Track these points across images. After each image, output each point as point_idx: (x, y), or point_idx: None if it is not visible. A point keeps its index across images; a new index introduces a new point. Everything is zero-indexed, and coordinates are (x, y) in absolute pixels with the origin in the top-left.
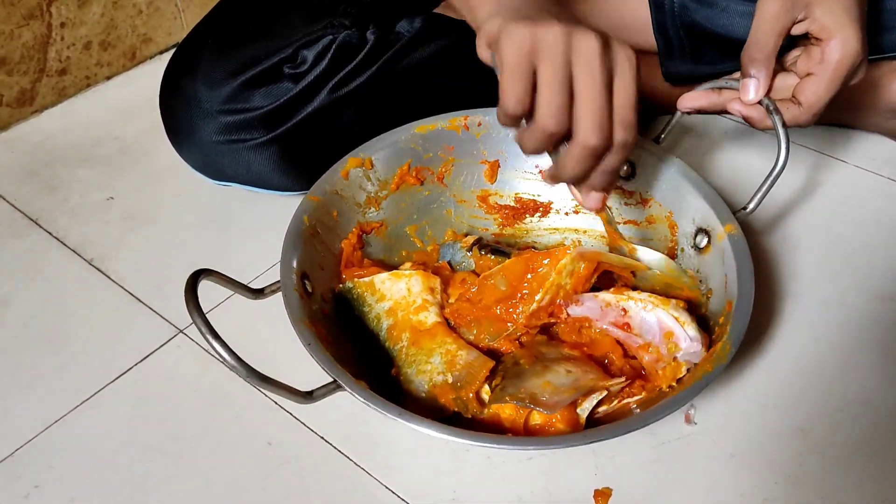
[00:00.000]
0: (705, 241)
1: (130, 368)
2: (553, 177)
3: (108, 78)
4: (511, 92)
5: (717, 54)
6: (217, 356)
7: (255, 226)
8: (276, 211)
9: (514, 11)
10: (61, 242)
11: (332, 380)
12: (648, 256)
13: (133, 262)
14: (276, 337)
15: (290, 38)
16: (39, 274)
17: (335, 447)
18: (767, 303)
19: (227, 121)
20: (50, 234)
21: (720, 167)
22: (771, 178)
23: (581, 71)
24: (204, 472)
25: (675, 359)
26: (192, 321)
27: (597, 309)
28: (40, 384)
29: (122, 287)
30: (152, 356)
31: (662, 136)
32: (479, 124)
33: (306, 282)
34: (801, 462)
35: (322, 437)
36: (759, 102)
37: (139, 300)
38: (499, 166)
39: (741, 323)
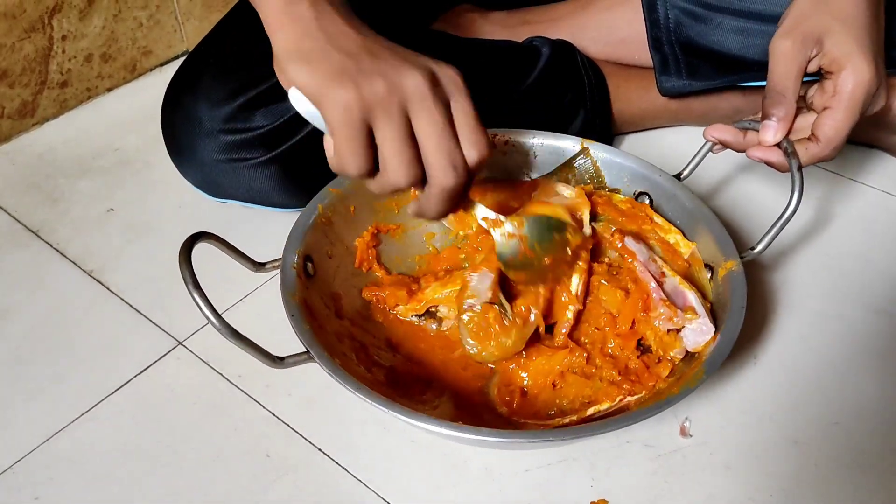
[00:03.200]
0: (708, 276)
1: (130, 380)
2: (418, 214)
3: (109, 90)
4: (350, 156)
5: (713, 69)
6: (201, 312)
7: (254, 239)
8: (276, 225)
9: (319, 54)
10: (62, 254)
11: (304, 350)
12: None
13: (133, 273)
14: (276, 333)
15: None
16: (40, 286)
17: (334, 460)
18: (763, 315)
19: (228, 140)
20: (50, 245)
21: (737, 199)
22: (781, 222)
23: (419, 116)
24: (202, 483)
25: (678, 332)
26: (187, 335)
27: (645, 253)
28: (40, 396)
29: (122, 299)
30: (151, 368)
31: (685, 171)
32: (506, 142)
33: (309, 264)
34: (796, 475)
35: (320, 450)
36: (779, 145)
37: (139, 312)
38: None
39: (718, 356)
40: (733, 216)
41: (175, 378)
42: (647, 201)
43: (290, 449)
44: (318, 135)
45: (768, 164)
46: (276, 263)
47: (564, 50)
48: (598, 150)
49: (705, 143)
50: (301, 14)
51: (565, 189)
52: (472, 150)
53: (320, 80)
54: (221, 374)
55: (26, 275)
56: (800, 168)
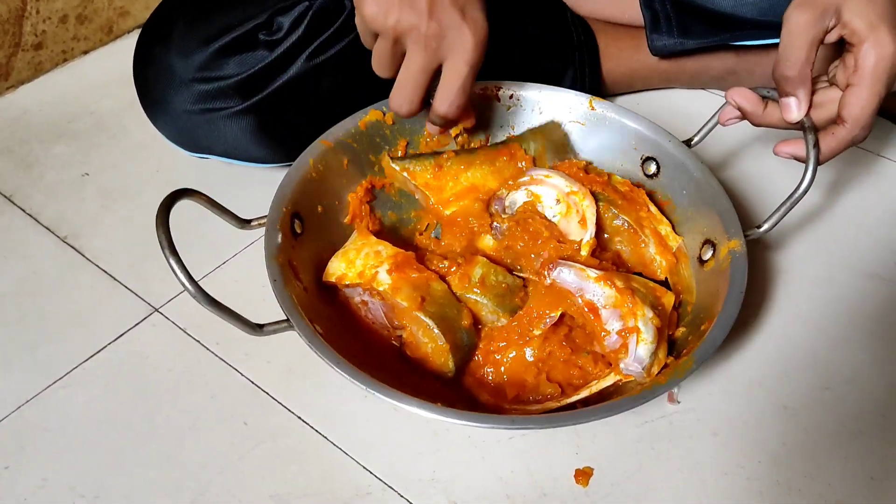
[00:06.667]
0: (710, 253)
1: (104, 347)
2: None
3: (85, 53)
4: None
5: (704, 28)
6: (176, 278)
7: (233, 201)
8: (256, 185)
9: None
10: (35, 220)
11: (285, 318)
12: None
13: (108, 239)
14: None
15: (264, 5)
16: (13, 252)
17: (313, 427)
18: (754, 280)
19: (201, 89)
20: (24, 211)
21: (748, 171)
22: (790, 201)
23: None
24: (179, 452)
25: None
26: (164, 302)
27: (577, 283)
28: (12, 363)
29: (97, 265)
30: (127, 335)
31: (696, 138)
32: (511, 97)
33: (297, 221)
34: (785, 441)
35: (299, 417)
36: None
37: (114, 278)
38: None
39: (710, 345)
40: (743, 188)
41: (151, 345)
42: (654, 168)
43: (269, 417)
44: (294, 85)
45: (797, 159)
46: (262, 221)
47: (554, 6)
48: (607, 109)
49: (723, 105)
50: None
51: (557, 177)
52: (441, 105)
53: None
54: (199, 342)
55: None
56: (816, 144)
